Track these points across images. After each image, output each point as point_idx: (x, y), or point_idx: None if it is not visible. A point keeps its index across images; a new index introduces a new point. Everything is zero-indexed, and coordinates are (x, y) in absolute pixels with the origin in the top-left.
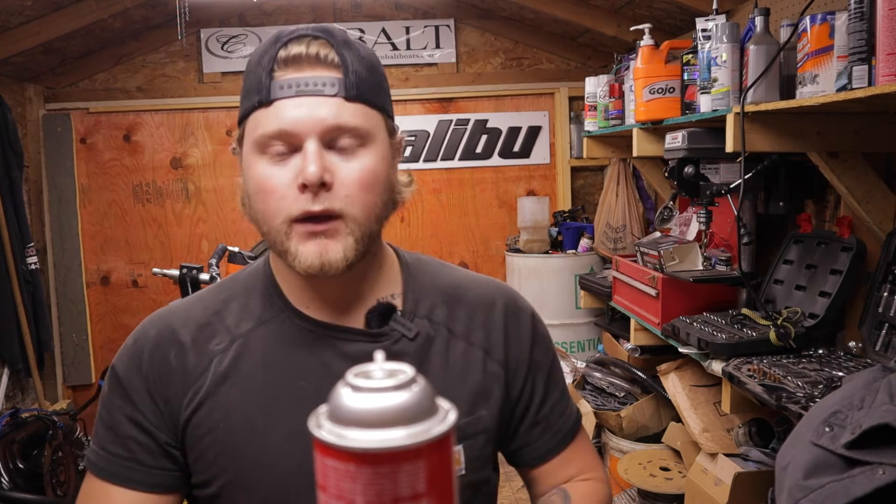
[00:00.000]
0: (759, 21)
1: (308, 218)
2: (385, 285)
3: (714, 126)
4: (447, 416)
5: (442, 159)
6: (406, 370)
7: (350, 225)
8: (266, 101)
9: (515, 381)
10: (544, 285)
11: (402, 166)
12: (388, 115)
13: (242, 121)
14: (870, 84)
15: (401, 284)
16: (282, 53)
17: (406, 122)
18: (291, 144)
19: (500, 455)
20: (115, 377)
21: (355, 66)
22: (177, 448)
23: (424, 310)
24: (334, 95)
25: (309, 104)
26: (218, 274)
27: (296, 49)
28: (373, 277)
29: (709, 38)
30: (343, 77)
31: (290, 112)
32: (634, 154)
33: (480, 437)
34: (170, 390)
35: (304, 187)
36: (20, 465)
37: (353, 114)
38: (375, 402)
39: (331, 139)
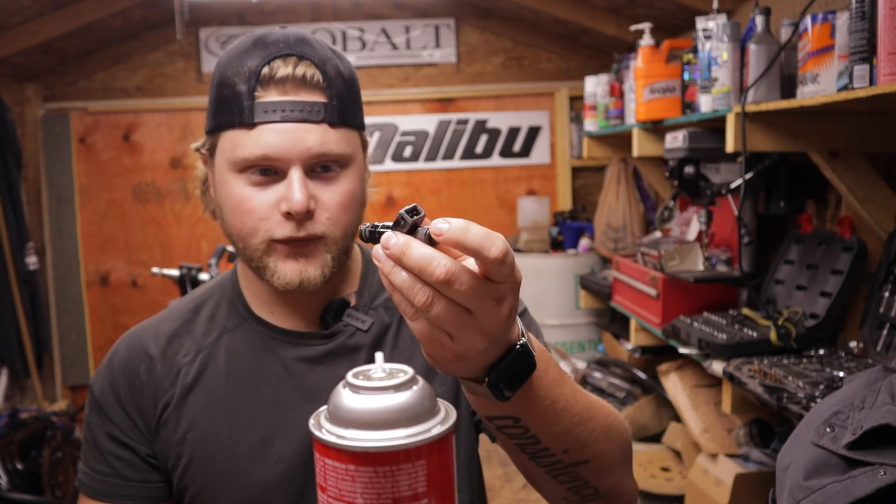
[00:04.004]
0: (759, 20)
1: (290, 240)
2: (347, 285)
3: (714, 126)
4: (447, 416)
5: (442, 159)
6: (406, 371)
7: (329, 244)
8: (248, 123)
9: None
10: (544, 285)
11: (402, 166)
12: (363, 128)
13: (216, 131)
14: (871, 83)
15: (358, 281)
16: (265, 71)
17: (406, 122)
18: (273, 168)
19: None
20: (92, 397)
21: (337, 85)
22: (157, 459)
23: (381, 300)
24: (320, 122)
25: (294, 131)
26: (217, 274)
27: (281, 70)
28: (337, 280)
29: (709, 37)
30: (327, 101)
31: (274, 138)
32: (635, 154)
33: None
34: (142, 403)
35: (288, 215)
36: (19, 466)
37: (337, 140)
38: (375, 403)
39: (313, 165)
